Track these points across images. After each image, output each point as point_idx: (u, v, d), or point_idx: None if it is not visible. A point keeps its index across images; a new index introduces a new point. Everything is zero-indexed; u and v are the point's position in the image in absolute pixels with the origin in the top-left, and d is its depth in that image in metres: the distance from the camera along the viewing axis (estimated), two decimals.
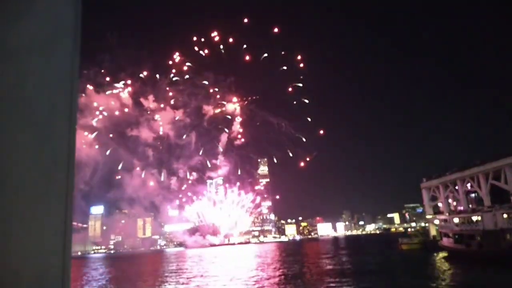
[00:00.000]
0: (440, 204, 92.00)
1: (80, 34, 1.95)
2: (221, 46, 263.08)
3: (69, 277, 1.72)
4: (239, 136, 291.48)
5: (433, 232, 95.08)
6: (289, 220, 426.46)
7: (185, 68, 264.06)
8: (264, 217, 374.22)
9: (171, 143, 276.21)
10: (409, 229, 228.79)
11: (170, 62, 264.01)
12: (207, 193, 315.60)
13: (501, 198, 64.08)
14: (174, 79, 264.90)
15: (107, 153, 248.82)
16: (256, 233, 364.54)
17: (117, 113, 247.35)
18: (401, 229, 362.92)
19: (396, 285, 45.07)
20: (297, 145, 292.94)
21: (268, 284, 51.41)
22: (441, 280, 45.93)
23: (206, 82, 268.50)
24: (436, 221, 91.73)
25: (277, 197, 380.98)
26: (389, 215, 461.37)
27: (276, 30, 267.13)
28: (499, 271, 47.73)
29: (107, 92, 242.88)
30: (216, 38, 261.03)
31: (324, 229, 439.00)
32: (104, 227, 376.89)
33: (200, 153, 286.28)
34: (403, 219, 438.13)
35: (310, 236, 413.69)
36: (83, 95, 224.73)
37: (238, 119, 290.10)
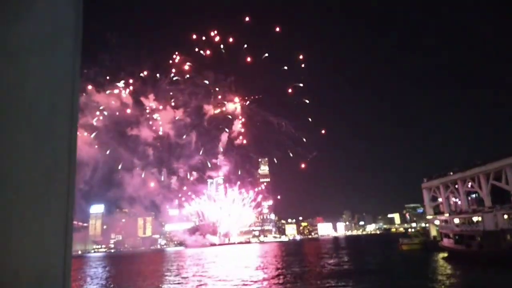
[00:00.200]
0: (440, 203, 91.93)
1: (81, 34, 1.94)
2: (222, 46, 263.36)
3: (70, 277, 1.71)
4: (240, 136, 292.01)
5: (433, 232, 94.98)
6: (289, 220, 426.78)
7: (185, 67, 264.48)
8: (265, 217, 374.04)
9: (171, 143, 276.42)
10: (409, 230, 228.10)
11: (171, 62, 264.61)
12: (207, 192, 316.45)
13: (502, 198, 64.00)
14: (174, 78, 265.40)
15: (107, 152, 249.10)
16: (257, 233, 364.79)
17: (117, 112, 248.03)
18: (401, 229, 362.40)
19: (396, 286, 45.00)
20: (297, 145, 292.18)
21: (268, 284, 51.44)
22: (441, 280, 45.86)
23: (206, 82, 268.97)
24: (437, 222, 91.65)
25: (278, 197, 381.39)
26: (389, 215, 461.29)
27: (277, 29, 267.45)
28: (500, 272, 47.60)
29: (107, 92, 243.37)
30: (217, 38, 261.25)
31: (325, 229, 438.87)
32: (105, 226, 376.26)
33: (201, 152, 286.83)
34: (403, 220, 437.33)
35: (310, 236, 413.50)
36: (84, 94, 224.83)
37: (239, 119, 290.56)
